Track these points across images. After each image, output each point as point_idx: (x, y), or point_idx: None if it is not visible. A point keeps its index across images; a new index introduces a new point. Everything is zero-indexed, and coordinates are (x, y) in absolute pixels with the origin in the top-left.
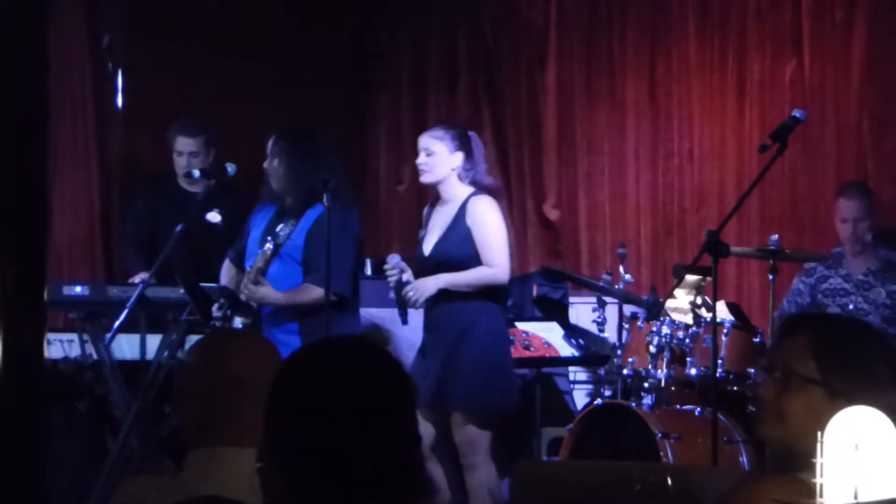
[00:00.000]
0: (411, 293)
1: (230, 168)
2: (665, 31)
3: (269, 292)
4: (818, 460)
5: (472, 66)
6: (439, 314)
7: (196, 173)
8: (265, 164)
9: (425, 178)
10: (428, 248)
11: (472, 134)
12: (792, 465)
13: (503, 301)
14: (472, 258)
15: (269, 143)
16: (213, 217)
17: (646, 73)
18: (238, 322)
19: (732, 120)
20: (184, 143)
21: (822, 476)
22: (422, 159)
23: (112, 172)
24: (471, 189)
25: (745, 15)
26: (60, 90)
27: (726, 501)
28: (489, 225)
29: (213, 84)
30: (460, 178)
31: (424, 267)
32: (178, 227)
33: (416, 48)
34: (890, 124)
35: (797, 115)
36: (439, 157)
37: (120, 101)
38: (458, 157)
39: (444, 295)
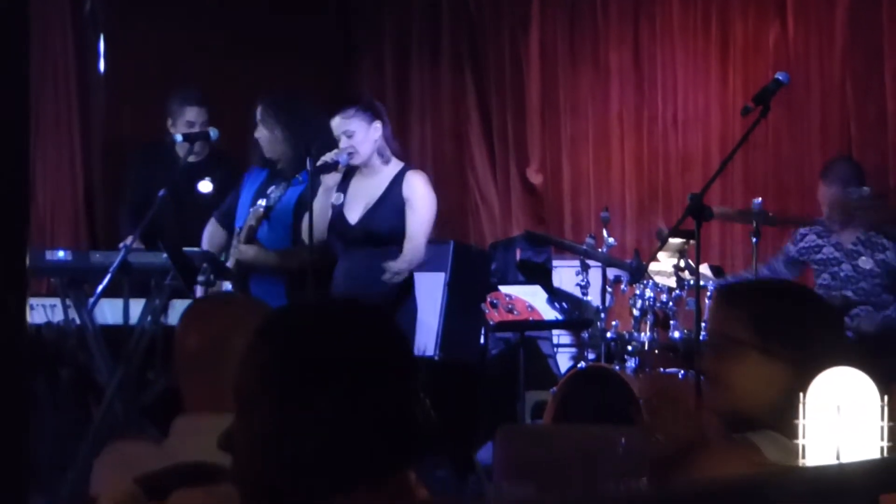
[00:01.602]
0: (387, 276)
1: (212, 132)
2: None
3: (259, 252)
4: (800, 421)
5: (455, 31)
6: (349, 265)
7: (178, 137)
8: (256, 132)
9: (356, 160)
10: (353, 216)
11: (370, 102)
12: (739, 427)
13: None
14: (401, 231)
15: (259, 108)
16: (205, 187)
17: (629, 37)
18: (227, 286)
19: (716, 84)
20: (196, 113)
21: (804, 437)
22: (344, 143)
23: (94, 139)
24: (400, 162)
25: None
26: (42, 57)
27: (675, 469)
28: (424, 204)
29: (195, 52)
30: (385, 146)
31: (351, 236)
32: (161, 192)
33: (398, 13)
34: (873, 88)
35: (780, 77)
36: (360, 135)
37: (102, 68)
38: (378, 128)
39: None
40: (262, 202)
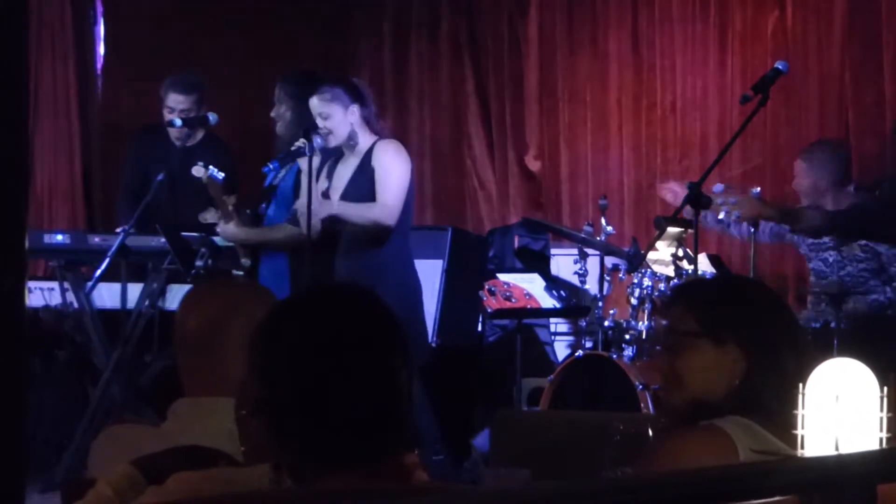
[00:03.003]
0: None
1: (212, 117)
2: None
3: (237, 231)
4: (799, 412)
5: (454, 14)
6: (348, 264)
7: (177, 122)
8: (273, 112)
9: (332, 142)
10: (335, 198)
11: (357, 81)
12: (701, 416)
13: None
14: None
15: (277, 87)
16: (199, 171)
17: (628, 23)
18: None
19: (715, 71)
20: (175, 100)
21: (802, 427)
22: (320, 124)
23: (92, 121)
24: (374, 137)
25: None
26: (40, 37)
27: (650, 460)
28: (391, 167)
29: (193, 32)
30: (364, 125)
31: (336, 220)
32: (160, 176)
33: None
34: (871, 76)
35: (779, 66)
36: (336, 118)
37: (101, 50)
38: (355, 111)
39: (352, 243)
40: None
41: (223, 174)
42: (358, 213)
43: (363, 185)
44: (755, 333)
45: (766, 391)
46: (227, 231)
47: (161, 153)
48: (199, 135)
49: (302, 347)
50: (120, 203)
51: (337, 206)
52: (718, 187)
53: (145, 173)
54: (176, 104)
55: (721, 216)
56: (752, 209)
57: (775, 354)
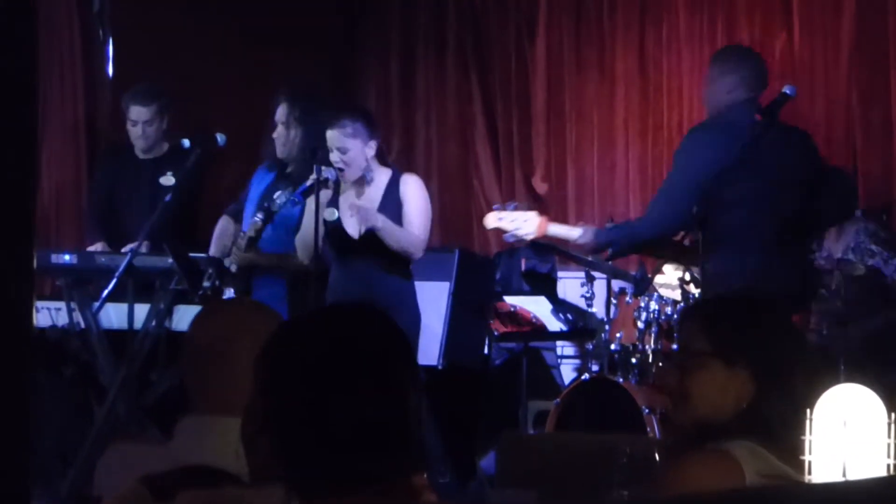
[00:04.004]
0: (357, 212)
1: (220, 138)
2: (655, 2)
3: (255, 258)
4: (806, 437)
5: (461, 34)
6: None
7: (185, 143)
8: (275, 132)
9: (347, 176)
10: (354, 229)
11: (369, 115)
12: (708, 438)
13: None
14: None
15: (282, 107)
16: (167, 180)
17: (635, 43)
18: (230, 291)
19: None
20: (137, 112)
21: (810, 453)
22: (336, 157)
23: (100, 140)
24: (387, 168)
25: None
26: (49, 56)
27: (657, 483)
28: (419, 201)
29: (200, 49)
30: (376, 158)
31: (354, 249)
32: (167, 197)
33: (404, 15)
34: (878, 97)
35: (787, 91)
36: (354, 152)
37: (111, 70)
38: (373, 146)
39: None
40: (259, 217)
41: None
42: (396, 234)
43: (389, 216)
44: (766, 357)
45: (774, 415)
46: (246, 258)
47: (130, 169)
48: (165, 146)
49: (308, 366)
50: (89, 222)
51: (383, 220)
52: (510, 205)
53: (111, 192)
54: (138, 116)
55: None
56: (535, 229)
57: (785, 379)
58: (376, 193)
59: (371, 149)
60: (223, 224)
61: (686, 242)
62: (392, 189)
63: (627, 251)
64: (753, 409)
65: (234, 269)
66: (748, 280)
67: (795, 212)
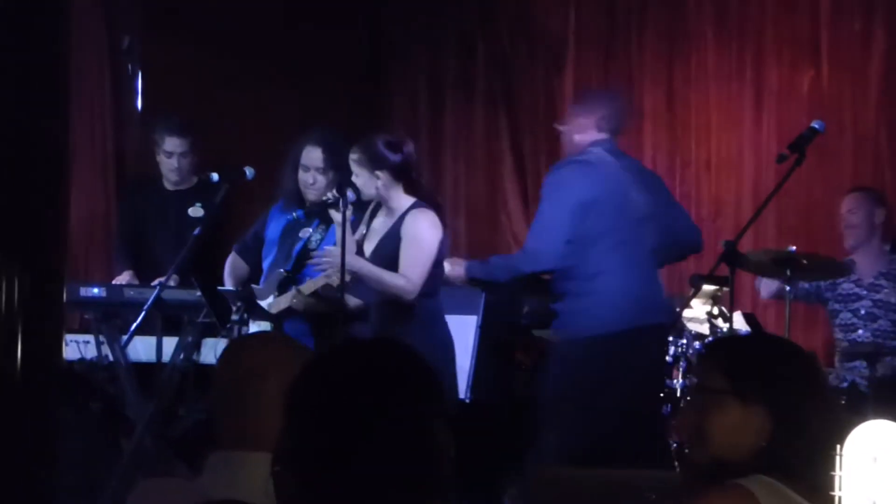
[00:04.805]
0: (324, 258)
1: (248, 171)
2: (683, 38)
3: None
4: (836, 473)
5: (490, 72)
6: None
7: (214, 177)
8: (307, 177)
9: (364, 198)
10: (368, 250)
11: (392, 138)
12: (726, 476)
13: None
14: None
15: (316, 153)
16: (196, 212)
17: (663, 81)
18: (263, 325)
19: (750, 129)
20: (173, 144)
21: (840, 489)
22: (354, 180)
23: (129, 173)
24: (412, 199)
25: (763, 23)
26: (79, 92)
27: None
28: (418, 240)
29: (227, 86)
30: (396, 185)
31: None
32: (197, 231)
33: (432, 54)
34: None
35: (816, 126)
36: (361, 180)
37: (139, 104)
38: (380, 175)
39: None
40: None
41: None
42: (380, 279)
43: (389, 251)
44: (784, 397)
45: (792, 453)
46: (309, 301)
47: (158, 200)
48: (194, 180)
49: (332, 403)
50: (117, 252)
51: (363, 265)
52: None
53: (139, 224)
54: (174, 147)
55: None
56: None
57: (803, 419)
58: (390, 221)
59: (380, 178)
60: (232, 260)
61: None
62: (399, 222)
63: (505, 283)
64: (772, 447)
65: (298, 306)
66: (613, 311)
67: (653, 246)
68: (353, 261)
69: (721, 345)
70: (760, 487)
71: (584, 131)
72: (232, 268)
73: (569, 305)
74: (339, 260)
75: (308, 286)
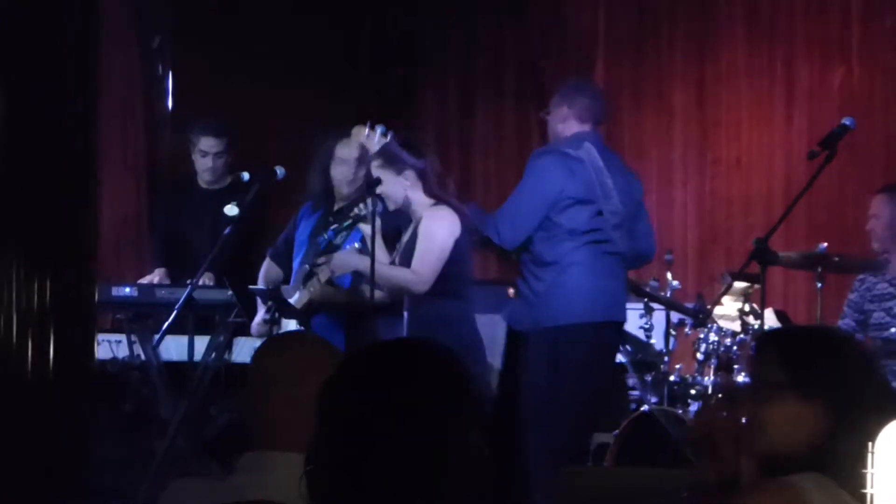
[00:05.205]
0: (325, 262)
1: (279, 171)
2: (713, 37)
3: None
4: (868, 471)
5: (520, 71)
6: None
7: (245, 176)
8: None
9: (390, 206)
10: (397, 256)
11: (414, 140)
12: (780, 471)
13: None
14: None
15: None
16: (231, 210)
17: (693, 78)
18: (291, 324)
19: (780, 127)
20: (209, 143)
21: (871, 487)
22: (379, 189)
23: (160, 174)
24: (431, 201)
25: (793, 21)
26: (109, 93)
27: None
28: (430, 236)
29: (259, 88)
30: (419, 189)
31: None
32: (227, 230)
33: (462, 54)
34: None
35: (846, 122)
36: (387, 185)
37: (170, 105)
38: (409, 176)
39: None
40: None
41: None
42: (385, 274)
43: (409, 252)
44: (845, 394)
45: (849, 452)
46: (324, 292)
47: (193, 200)
48: (228, 179)
49: (363, 406)
50: (151, 250)
51: (365, 263)
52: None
53: (174, 222)
54: (210, 147)
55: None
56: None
57: (863, 417)
58: (412, 227)
59: (407, 179)
60: (267, 267)
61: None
62: (418, 224)
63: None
64: (827, 444)
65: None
66: (584, 303)
67: (624, 250)
68: (357, 260)
69: (781, 336)
70: (812, 485)
71: (566, 121)
72: (266, 273)
73: (541, 292)
74: (342, 261)
75: (324, 272)
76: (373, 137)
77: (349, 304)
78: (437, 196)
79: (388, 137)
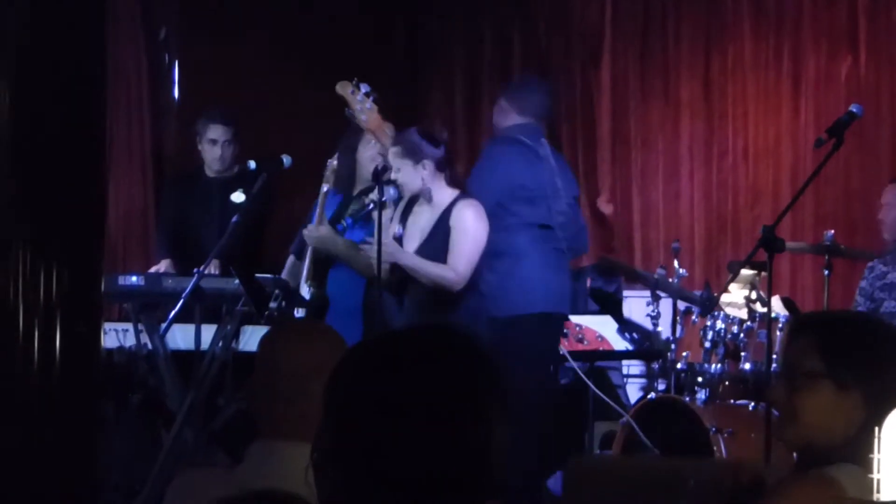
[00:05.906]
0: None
1: (286, 159)
2: (720, 28)
3: (329, 235)
4: (875, 456)
5: (526, 64)
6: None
7: (252, 164)
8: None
9: (406, 193)
10: (410, 248)
11: (431, 130)
12: (815, 461)
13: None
14: None
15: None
16: (238, 197)
17: (700, 70)
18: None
19: (787, 118)
20: (217, 131)
21: (878, 472)
22: (394, 176)
23: (167, 165)
24: (455, 191)
25: (800, 12)
26: (116, 84)
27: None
28: (468, 232)
29: (264, 78)
30: (439, 178)
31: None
32: (235, 219)
33: (469, 46)
34: None
35: (854, 109)
36: (405, 173)
37: (176, 95)
38: (427, 165)
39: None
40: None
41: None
42: (427, 270)
43: (439, 244)
44: (882, 384)
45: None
46: (319, 231)
47: (200, 189)
48: (236, 168)
49: (377, 396)
50: (158, 240)
51: (409, 257)
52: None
53: (182, 211)
54: (218, 135)
55: None
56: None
57: None
58: (434, 216)
59: (425, 168)
60: (290, 263)
61: None
62: (446, 214)
63: None
64: (865, 434)
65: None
66: (535, 294)
67: (567, 241)
68: (400, 254)
69: (817, 322)
70: (847, 476)
71: (504, 114)
72: (289, 270)
73: (494, 283)
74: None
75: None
76: (356, 95)
77: (348, 260)
78: (460, 184)
79: (371, 98)
